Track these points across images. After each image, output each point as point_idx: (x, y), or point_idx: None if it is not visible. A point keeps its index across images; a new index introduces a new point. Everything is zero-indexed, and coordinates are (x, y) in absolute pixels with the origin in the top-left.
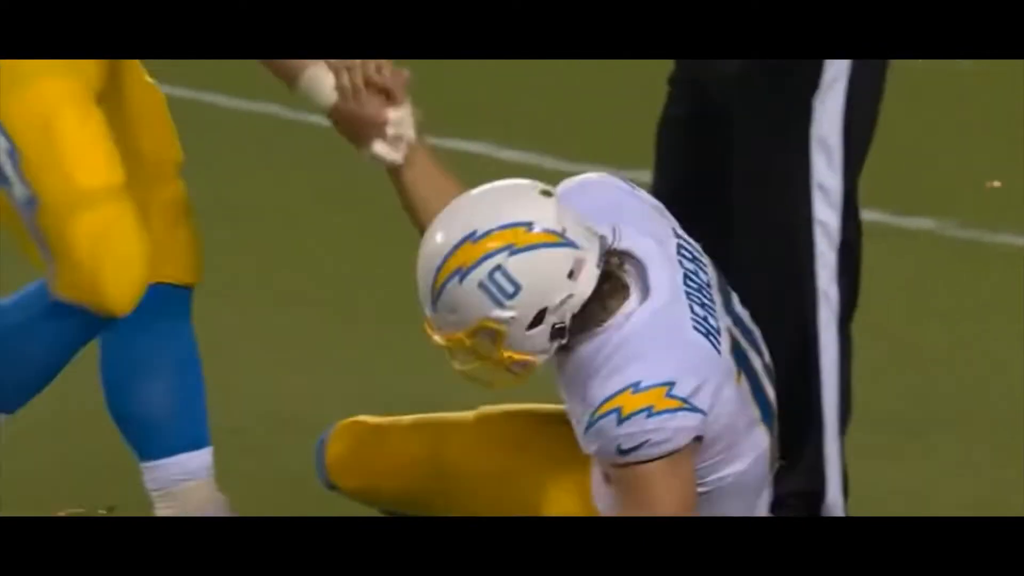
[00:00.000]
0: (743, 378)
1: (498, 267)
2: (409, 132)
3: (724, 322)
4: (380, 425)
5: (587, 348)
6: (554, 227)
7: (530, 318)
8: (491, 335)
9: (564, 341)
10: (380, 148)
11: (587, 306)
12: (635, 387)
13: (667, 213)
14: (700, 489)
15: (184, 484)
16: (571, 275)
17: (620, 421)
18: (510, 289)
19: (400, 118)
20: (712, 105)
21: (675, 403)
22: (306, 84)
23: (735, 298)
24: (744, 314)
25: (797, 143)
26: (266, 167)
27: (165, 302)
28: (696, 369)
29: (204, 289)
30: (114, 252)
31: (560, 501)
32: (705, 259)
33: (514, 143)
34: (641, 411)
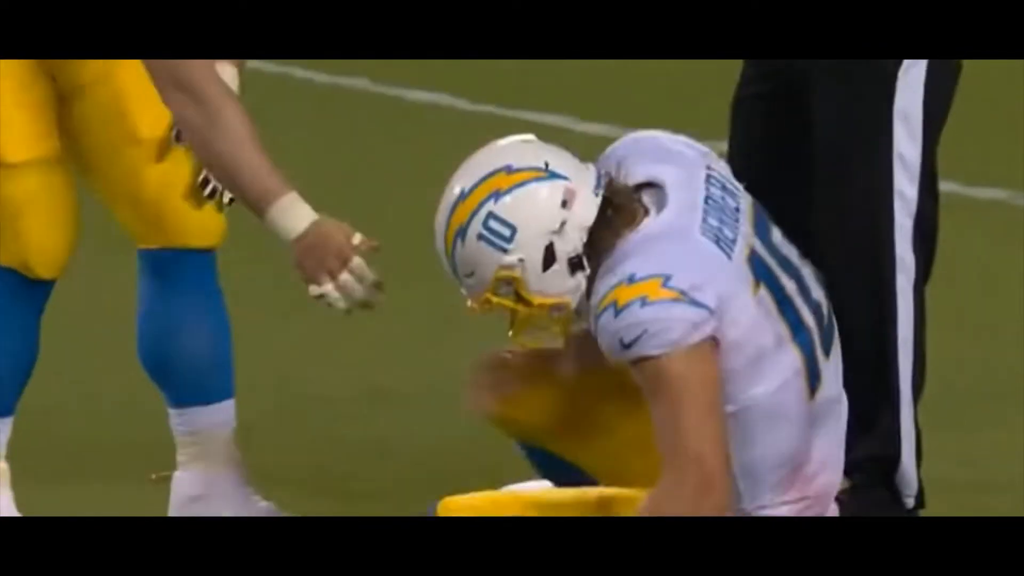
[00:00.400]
0: (763, 289)
1: (489, 214)
2: (359, 288)
3: (747, 239)
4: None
5: (603, 267)
6: (534, 163)
7: (540, 257)
8: (511, 285)
9: (587, 272)
10: (328, 289)
11: (598, 235)
12: (629, 279)
13: (710, 155)
14: (729, 408)
15: (210, 432)
16: (564, 204)
17: (616, 313)
18: (506, 232)
19: (359, 267)
20: (787, 83)
21: (672, 294)
22: (277, 211)
23: (776, 232)
24: (787, 248)
25: (879, 114)
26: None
27: (185, 265)
28: (698, 267)
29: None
30: (38, 220)
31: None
32: (740, 191)
33: (592, 116)
34: (635, 301)
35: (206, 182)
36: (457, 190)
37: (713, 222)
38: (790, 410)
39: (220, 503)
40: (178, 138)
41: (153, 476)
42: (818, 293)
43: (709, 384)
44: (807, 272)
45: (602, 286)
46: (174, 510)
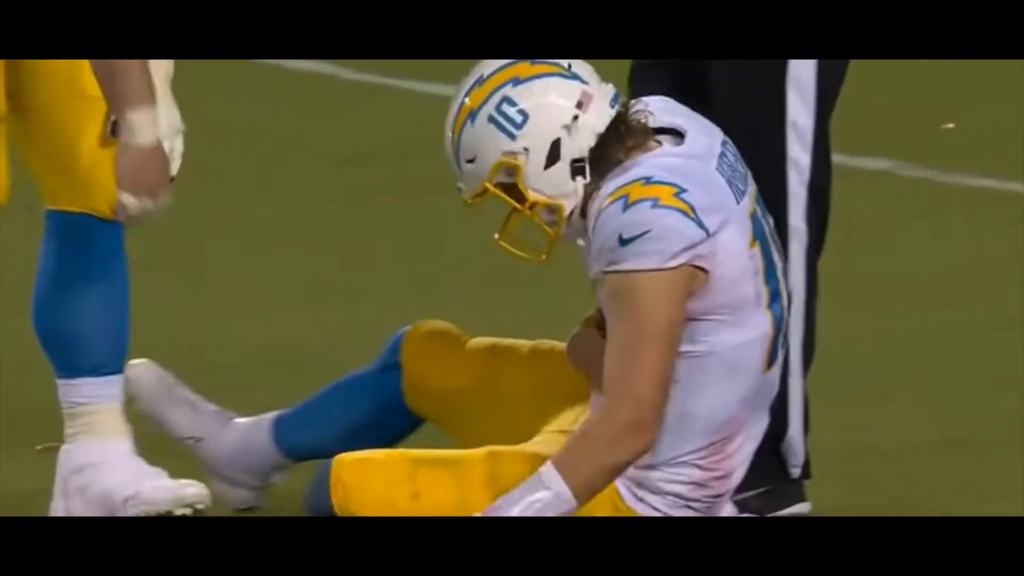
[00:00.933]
0: (757, 248)
1: (505, 98)
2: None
3: (752, 200)
4: (459, 335)
5: (607, 179)
6: (557, 61)
7: (544, 151)
8: (510, 173)
9: (587, 181)
10: (130, 200)
11: (607, 147)
12: (646, 180)
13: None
14: (696, 348)
15: (96, 404)
16: (579, 106)
17: (625, 207)
18: (518, 119)
19: (163, 203)
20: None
21: (683, 205)
22: (140, 115)
23: (771, 219)
24: (776, 235)
25: (773, 82)
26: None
27: (98, 232)
28: (710, 191)
29: (194, 228)
30: None
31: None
32: (746, 168)
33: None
34: (646, 199)
35: None
36: (476, 75)
37: (727, 171)
38: (747, 372)
39: (108, 474)
40: (113, 132)
41: (38, 447)
42: (790, 285)
43: (675, 308)
44: (787, 265)
45: (611, 186)
46: (60, 483)
